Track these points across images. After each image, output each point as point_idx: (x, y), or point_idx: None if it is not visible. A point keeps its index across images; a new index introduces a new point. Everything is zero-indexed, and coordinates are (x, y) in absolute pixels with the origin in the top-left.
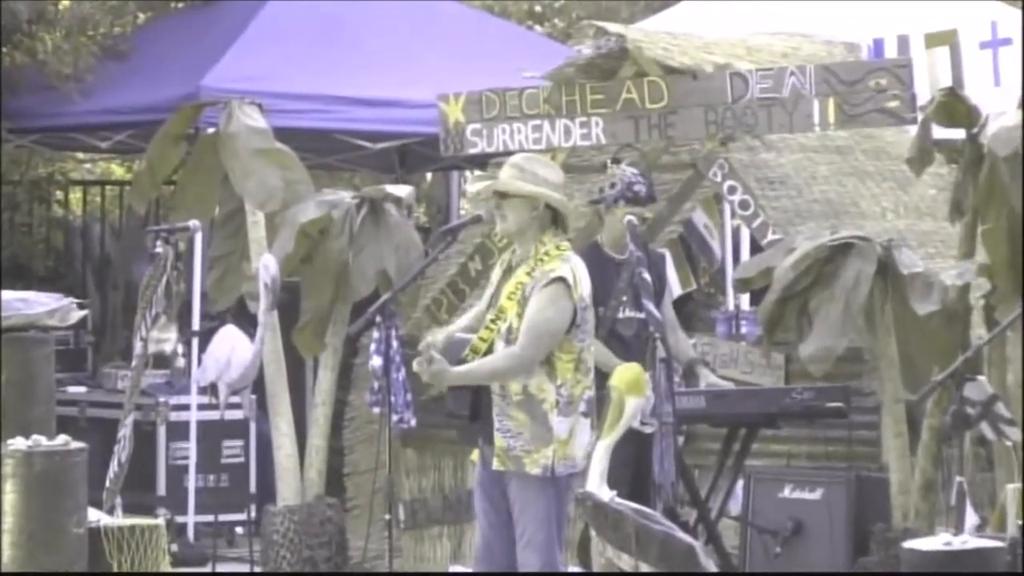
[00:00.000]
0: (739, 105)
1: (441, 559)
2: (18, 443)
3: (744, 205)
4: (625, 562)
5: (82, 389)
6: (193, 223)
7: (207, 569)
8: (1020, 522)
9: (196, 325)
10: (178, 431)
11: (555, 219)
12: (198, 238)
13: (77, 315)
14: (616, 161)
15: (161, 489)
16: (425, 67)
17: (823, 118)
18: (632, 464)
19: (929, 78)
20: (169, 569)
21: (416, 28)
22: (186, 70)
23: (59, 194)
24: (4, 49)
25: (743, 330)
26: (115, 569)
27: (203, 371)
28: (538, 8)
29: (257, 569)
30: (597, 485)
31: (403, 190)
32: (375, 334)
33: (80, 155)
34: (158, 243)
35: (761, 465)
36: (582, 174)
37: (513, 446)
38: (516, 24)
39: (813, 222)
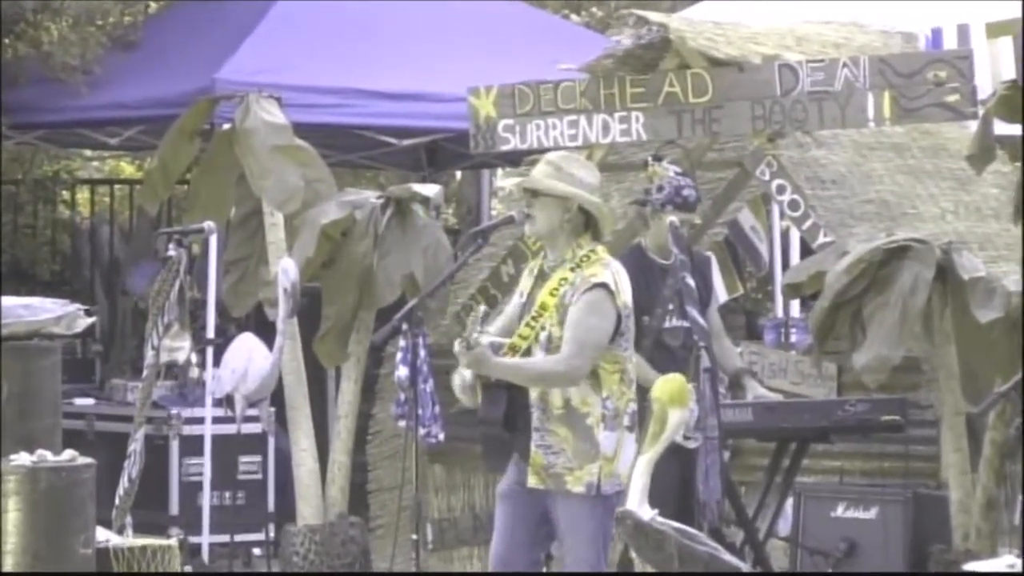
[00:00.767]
0: (788, 99)
1: None
2: (22, 459)
3: (794, 206)
4: None
5: (90, 401)
6: (208, 225)
7: None
8: None
9: (211, 333)
10: (192, 446)
11: (588, 224)
12: (213, 241)
13: (84, 323)
14: (657, 159)
15: (174, 507)
16: (454, 58)
17: (878, 113)
18: (675, 481)
19: (991, 70)
20: None
21: (444, 17)
22: (200, 62)
23: (65, 194)
24: (7, 40)
25: (793, 338)
26: None
27: (218, 382)
28: None
29: None
30: (638, 503)
31: (431, 189)
32: (401, 343)
33: (87, 152)
34: (170, 246)
35: (812, 482)
36: (621, 172)
37: (554, 463)
38: (551, 13)
39: (867, 224)
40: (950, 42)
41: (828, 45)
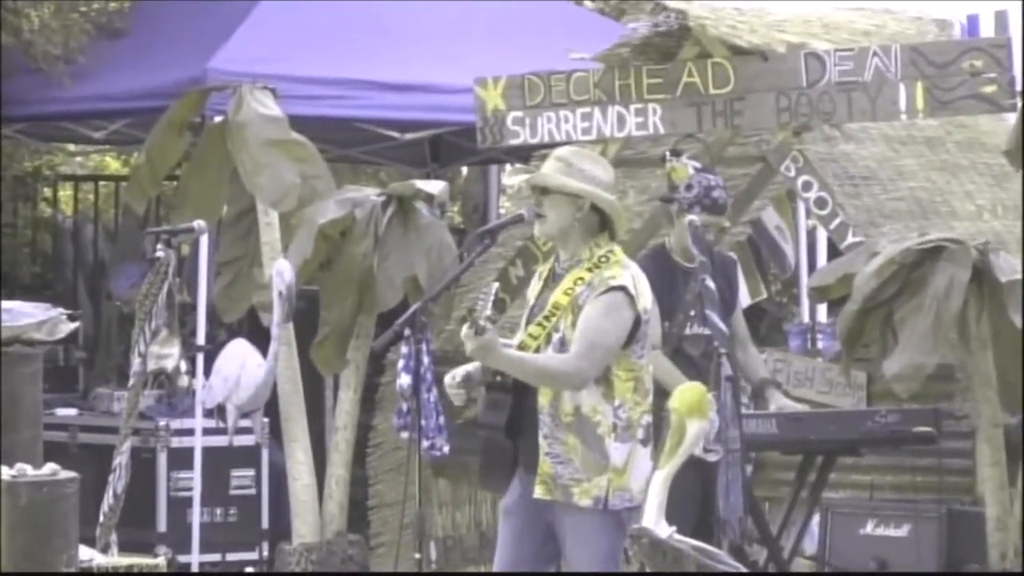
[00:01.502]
0: (815, 90)
1: None
2: (0, 473)
3: (821, 204)
4: None
5: (73, 411)
6: (198, 224)
7: None
8: None
9: (201, 340)
10: (181, 459)
11: (603, 223)
12: (203, 241)
13: (67, 328)
14: (676, 154)
15: (161, 524)
16: (460, 47)
17: (910, 105)
18: (694, 497)
19: None
20: None
21: (449, 3)
22: (191, 50)
23: (47, 191)
24: None
25: (819, 345)
26: None
27: (209, 391)
28: None
29: None
30: (654, 520)
31: (435, 186)
32: (403, 349)
33: (71, 147)
34: (158, 247)
35: (840, 498)
36: (636, 169)
37: (561, 473)
38: None
39: (899, 223)
40: (987, 30)
41: (857, 33)
